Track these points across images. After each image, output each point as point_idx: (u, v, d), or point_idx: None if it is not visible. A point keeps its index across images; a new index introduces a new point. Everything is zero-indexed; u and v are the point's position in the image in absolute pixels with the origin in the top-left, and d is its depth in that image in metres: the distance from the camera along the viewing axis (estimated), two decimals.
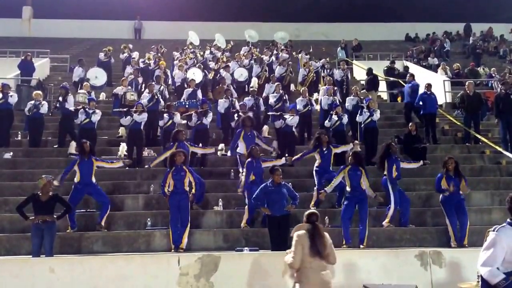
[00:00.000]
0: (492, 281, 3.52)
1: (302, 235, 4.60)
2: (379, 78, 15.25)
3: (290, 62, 15.11)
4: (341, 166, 8.26)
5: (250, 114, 10.26)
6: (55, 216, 6.93)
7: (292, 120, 10.16)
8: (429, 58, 19.24)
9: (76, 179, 8.04)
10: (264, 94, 12.48)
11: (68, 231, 7.85)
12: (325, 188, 8.15)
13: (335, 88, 12.71)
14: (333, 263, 4.69)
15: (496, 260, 3.54)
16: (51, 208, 6.91)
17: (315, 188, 8.67)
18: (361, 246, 7.58)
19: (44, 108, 11.13)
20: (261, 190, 7.24)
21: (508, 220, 3.69)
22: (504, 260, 3.57)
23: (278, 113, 10.46)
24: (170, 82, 14.35)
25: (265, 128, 11.34)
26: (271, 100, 11.69)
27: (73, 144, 10.76)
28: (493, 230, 3.67)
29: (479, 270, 3.62)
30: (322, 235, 4.63)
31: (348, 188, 7.86)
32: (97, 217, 8.16)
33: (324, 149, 8.85)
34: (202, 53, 16.54)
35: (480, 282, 3.75)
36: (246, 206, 8.13)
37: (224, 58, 15.48)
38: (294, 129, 10.46)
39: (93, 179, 8.12)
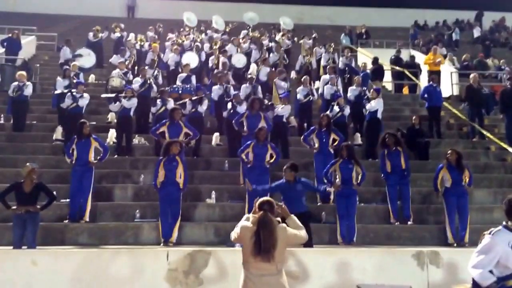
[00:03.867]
0: (483, 284, 3.63)
1: (247, 228, 3.81)
2: (385, 68, 15.31)
3: (282, 49, 14.96)
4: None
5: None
6: (38, 207, 7.00)
7: (282, 109, 10.19)
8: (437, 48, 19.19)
9: (74, 161, 8.19)
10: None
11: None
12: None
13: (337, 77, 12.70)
14: (278, 265, 3.74)
15: (489, 264, 3.64)
16: (34, 198, 6.97)
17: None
18: (352, 243, 7.74)
19: (28, 90, 11.12)
20: (277, 186, 7.30)
21: (504, 223, 3.78)
22: (499, 264, 3.67)
23: (270, 103, 10.49)
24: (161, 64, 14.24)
25: None
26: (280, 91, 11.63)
27: (59, 129, 10.81)
28: (489, 233, 3.76)
29: (470, 272, 3.72)
30: (272, 228, 3.73)
31: (338, 182, 7.98)
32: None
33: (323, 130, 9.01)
34: (200, 37, 16.42)
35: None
36: (247, 196, 8.19)
37: (217, 41, 15.33)
38: (285, 119, 10.46)
39: (92, 159, 8.22)
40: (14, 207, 6.91)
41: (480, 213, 8.87)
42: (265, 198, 3.99)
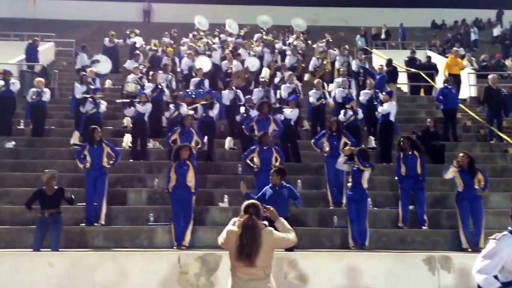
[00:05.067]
0: None
1: (232, 232, 3.77)
2: (399, 69, 15.24)
3: (300, 51, 15.02)
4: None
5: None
6: (69, 203, 7.29)
7: (291, 113, 10.28)
8: (454, 48, 19.01)
9: (88, 166, 8.39)
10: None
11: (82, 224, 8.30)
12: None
13: (350, 79, 12.72)
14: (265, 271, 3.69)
15: (493, 269, 3.67)
16: (57, 202, 7.26)
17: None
18: (364, 247, 7.77)
19: (46, 96, 11.40)
20: (262, 192, 7.42)
21: (510, 228, 3.82)
22: (504, 269, 3.70)
23: (278, 106, 10.58)
24: (178, 69, 14.50)
25: None
26: (284, 92, 11.75)
27: (76, 134, 11.09)
28: (494, 238, 3.80)
29: (475, 277, 3.76)
30: (256, 232, 3.67)
31: (349, 185, 8.03)
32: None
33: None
34: (214, 41, 16.62)
35: None
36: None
37: (230, 45, 15.48)
38: (292, 123, 10.50)
39: (105, 164, 8.42)
40: (38, 211, 7.17)
41: (497, 217, 8.74)
42: (250, 201, 3.92)
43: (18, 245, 7.70)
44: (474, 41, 21.53)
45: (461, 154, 8.11)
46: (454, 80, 13.38)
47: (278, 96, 12.14)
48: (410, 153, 8.51)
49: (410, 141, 8.62)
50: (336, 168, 8.59)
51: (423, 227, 8.49)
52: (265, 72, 13.49)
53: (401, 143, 8.60)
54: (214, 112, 10.52)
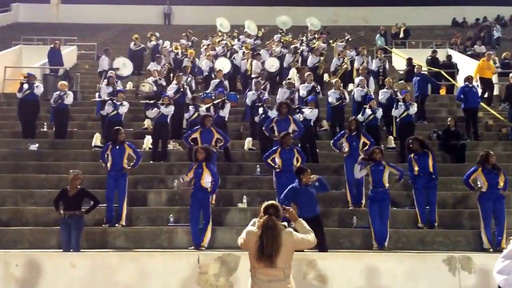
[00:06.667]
0: None
1: (252, 232, 3.78)
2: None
3: (324, 51, 15.00)
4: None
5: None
6: (83, 210, 7.41)
7: (310, 113, 10.24)
8: (476, 46, 18.70)
9: (109, 166, 8.53)
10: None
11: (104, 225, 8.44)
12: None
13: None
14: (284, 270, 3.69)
15: None
16: (78, 203, 7.41)
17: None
18: (383, 248, 7.70)
19: (69, 99, 11.60)
20: (290, 191, 7.28)
21: None
22: None
23: (296, 106, 10.55)
24: (196, 71, 14.59)
25: None
26: (302, 91, 11.72)
27: (98, 136, 11.27)
28: None
29: (495, 278, 3.71)
30: (276, 233, 3.67)
31: (370, 186, 7.98)
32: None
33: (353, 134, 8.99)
34: (232, 42, 16.68)
35: None
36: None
37: (249, 46, 15.53)
38: (312, 123, 10.48)
39: (125, 165, 8.54)
40: (61, 212, 7.33)
41: None
42: (270, 201, 3.88)
43: (41, 245, 7.88)
44: (497, 39, 21.05)
45: (489, 154, 7.97)
46: (486, 84, 13.17)
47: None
48: (421, 152, 8.45)
49: (419, 141, 8.57)
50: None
51: (435, 224, 8.38)
52: (293, 73, 13.43)
53: (411, 145, 8.55)
54: (224, 112, 10.56)
